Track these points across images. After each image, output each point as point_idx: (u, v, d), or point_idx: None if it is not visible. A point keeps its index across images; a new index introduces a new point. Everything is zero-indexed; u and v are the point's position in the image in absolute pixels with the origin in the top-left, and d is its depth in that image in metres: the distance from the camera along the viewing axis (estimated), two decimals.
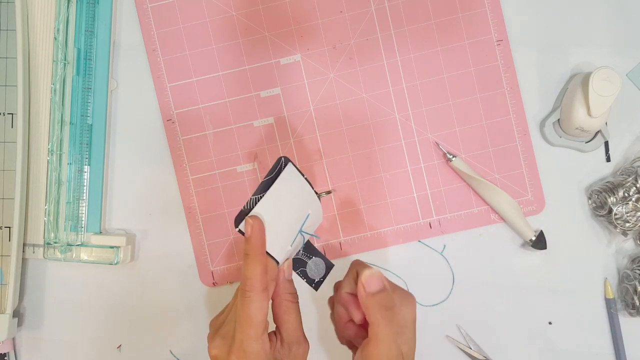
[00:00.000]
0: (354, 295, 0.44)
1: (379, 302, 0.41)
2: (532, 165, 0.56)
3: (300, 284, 0.46)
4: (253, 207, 0.41)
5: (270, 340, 0.42)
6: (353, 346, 0.46)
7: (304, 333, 0.44)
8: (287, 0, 0.56)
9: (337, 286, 0.47)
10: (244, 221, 0.41)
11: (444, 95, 0.56)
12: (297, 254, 0.47)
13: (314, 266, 0.48)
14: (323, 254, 0.48)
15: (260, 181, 0.43)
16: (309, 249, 0.48)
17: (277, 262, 0.43)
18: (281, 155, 0.44)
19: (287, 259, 0.45)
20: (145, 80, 0.57)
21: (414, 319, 0.42)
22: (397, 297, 0.42)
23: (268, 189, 0.42)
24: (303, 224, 0.45)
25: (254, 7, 0.56)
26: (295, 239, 0.44)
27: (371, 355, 0.40)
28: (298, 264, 0.47)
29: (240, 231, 0.42)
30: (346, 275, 0.46)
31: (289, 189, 0.43)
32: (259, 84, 0.56)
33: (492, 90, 0.56)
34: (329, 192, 0.48)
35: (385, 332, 0.40)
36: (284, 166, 0.43)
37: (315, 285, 0.47)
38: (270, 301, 0.44)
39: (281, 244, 0.43)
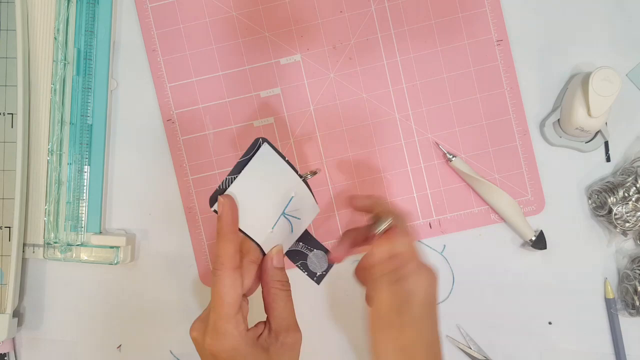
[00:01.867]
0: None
1: (386, 266, 0.41)
2: (532, 165, 0.56)
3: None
4: (227, 187, 0.41)
5: (256, 326, 0.42)
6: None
7: (295, 322, 0.43)
8: (287, 0, 0.56)
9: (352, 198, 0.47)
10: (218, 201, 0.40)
11: (444, 95, 0.56)
12: (298, 246, 0.47)
13: (315, 259, 0.47)
14: (325, 247, 0.47)
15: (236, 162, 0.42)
16: (309, 241, 0.47)
17: (259, 245, 0.43)
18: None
19: (276, 245, 0.44)
20: (145, 80, 0.57)
21: (428, 297, 0.40)
22: (411, 266, 0.41)
23: (243, 168, 0.41)
24: (286, 207, 0.44)
25: (254, 7, 0.56)
26: (277, 221, 0.44)
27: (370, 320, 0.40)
28: (298, 257, 0.47)
29: (215, 211, 0.41)
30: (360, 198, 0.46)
31: (266, 170, 0.42)
32: (259, 84, 0.56)
33: (492, 90, 0.56)
34: (314, 173, 0.46)
35: (384, 301, 0.40)
36: (263, 147, 0.42)
37: (317, 278, 0.47)
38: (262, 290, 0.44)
39: (260, 226, 0.43)
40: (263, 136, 0.43)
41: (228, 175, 0.41)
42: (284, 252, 0.45)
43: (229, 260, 0.40)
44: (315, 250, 0.47)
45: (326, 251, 0.47)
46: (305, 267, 0.47)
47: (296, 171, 0.45)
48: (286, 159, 0.44)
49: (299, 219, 0.45)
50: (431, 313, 0.41)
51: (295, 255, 0.47)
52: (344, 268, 0.54)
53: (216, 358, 0.40)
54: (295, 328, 0.43)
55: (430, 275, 0.41)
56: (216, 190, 0.41)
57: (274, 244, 0.44)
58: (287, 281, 0.44)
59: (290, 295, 0.43)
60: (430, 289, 0.41)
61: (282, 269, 0.44)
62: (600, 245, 0.56)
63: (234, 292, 0.40)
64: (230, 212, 0.41)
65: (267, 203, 0.43)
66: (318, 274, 0.47)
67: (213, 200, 0.41)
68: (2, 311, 0.54)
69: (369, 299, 0.43)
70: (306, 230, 0.47)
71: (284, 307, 0.43)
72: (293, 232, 0.46)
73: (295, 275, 0.44)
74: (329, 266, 0.47)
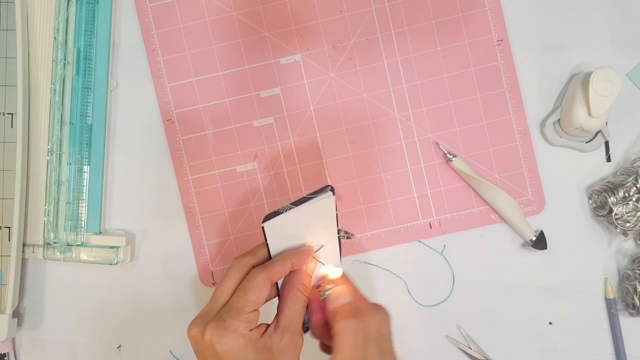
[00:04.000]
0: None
1: (344, 311, 0.41)
2: (532, 165, 0.56)
3: None
4: (284, 212, 0.42)
5: (259, 326, 0.41)
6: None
7: (301, 330, 0.43)
8: (287, 0, 0.56)
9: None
10: (269, 220, 0.42)
11: (444, 95, 0.56)
12: None
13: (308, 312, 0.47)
14: None
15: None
16: None
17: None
18: (328, 184, 0.45)
19: (317, 261, 0.45)
20: (145, 80, 0.57)
21: (387, 332, 0.42)
22: (365, 308, 0.42)
23: (303, 203, 0.43)
24: (316, 251, 0.45)
25: (254, 7, 0.56)
26: None
27: None
28: None
29: (262, 228, 0.42)
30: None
31: (319, 215, 0.44)
32: (259, 84, 0.56)
33: (492, 90, 0.56)
34: (349, 237, 0.50)
35: (349, 341, 0.40)
36: (328, 194, 0.44)
37: (304, 329, 0.47)
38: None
39: (283, 250, 0.44)
40: (332, 186, 0.44)
41: (290, 203, 0.43)
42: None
43: (273, 273, 0.42)
44: None
45: None
46: None
47: (339, 231, 0.46)
48: (337, 213, 0.45)
49: (324, 265, 0.46)
50: (391, 350, 0.42)
51: None
52: None
53: (219, 349, 0.39)
54: (301, 334, 0.42)
55: (384, 312, 0.43)
56: (274, 211, 0.42)
57: None
58: (310, 289, 0.44)
59: (306, 304, 0.43)
60: (387, 327, 0.42)
61: (311, 277, 0.45)
62: (601, 245, 0.56)
63: (259, 293, 0.40)
64: (310, 251, 0.44)
65: (304, 240, 0.45)
66: (306, 325, 0.47)
67: (267, 218, 0.42)
68: (2, 311, 0.54)
69: (327, 348, 0.45)
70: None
71: (298, 310, 0.42)
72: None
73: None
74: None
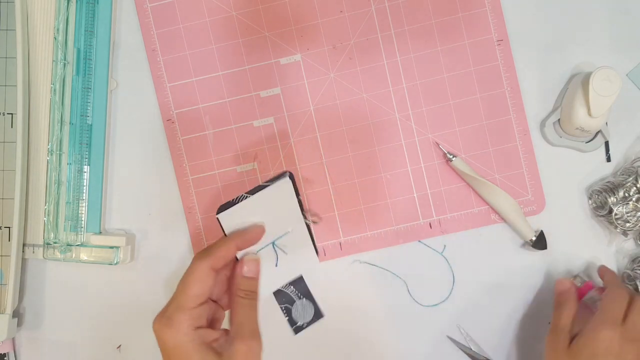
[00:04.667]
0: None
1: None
2: (532, 165, 0.56)
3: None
4: (238, 202, 0.42)
5: (216, 330, 0.41)
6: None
7: (255, 330, 0.42)
8: (287, 0, 0.56)
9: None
10: (224, 211, 0.41)
11: (444, 95, 0.56)
12: (288, 289, 0.47)
13: (301, 308, 0.47)
14: (316, 302, 0.47)
15: (259, 183, 0.43)
16: (301, 288, 0.47)
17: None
18: (286, 169, 0.45)
19: (252, 255, 0.44)
20: (145, 80, 0.57)
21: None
22: None
23: (259, 191, 0.42)
24: (278, 238, 0.45)
25: (254, 7, 0.56)
26: (264, 247, 0.45)
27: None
28: (285, 299, 0.47)
29: (218, 219, 0.42)
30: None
31: (277, 201, 0.44)
32: (259, 84, 0.56)
33: (492, 90, 0.56)
34: (315, 221, 0.51)
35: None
36: (284, 179, 0.43)
37: (296, 328, 0.47)
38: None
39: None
40: (290, 171, 0.44)
41: (245, 192, 0.42)
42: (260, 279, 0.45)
43: (215, 259, 0.41)
44: (304, 299, 0.47)
45: (315, 303, 0.47)
46: (288, 312, 0.47)
47: (304, 215, 0.46)
48: (300, 199, 0.45)
49: (286, 254, 0.46)
50: None
51: (283, 297, 0.47)
52: (328, 327, 0.51)
53: (165, 345, 0.39)
54: (254, 336, 0.41)
55: None
56: (228, 202, 0.42)
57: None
58: (254, 292, 0.43)
59: (255, 306, 0.43)
60: None
61: (252, 278, 0.44)
62: (601, 245, 0.56)
63: (201, 285, 0.40)
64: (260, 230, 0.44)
65: (266, 228, 0.45)
66: (298, 323, 0.47)
67: (221, 209, 0.42)
68: (2, 311, 0.54)
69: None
70: (301, 277, 0.47)
71: (245, 315, 0.42)
72: (277, 266, 0.46)
73: (276, 322, 0.43)
74: (312, 320, 0.47)
